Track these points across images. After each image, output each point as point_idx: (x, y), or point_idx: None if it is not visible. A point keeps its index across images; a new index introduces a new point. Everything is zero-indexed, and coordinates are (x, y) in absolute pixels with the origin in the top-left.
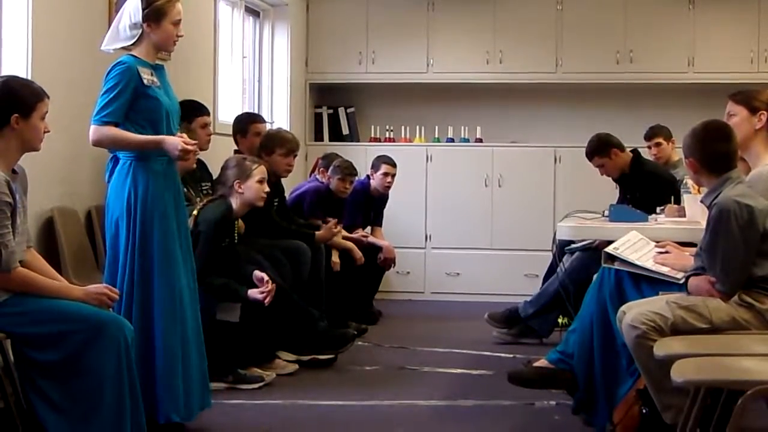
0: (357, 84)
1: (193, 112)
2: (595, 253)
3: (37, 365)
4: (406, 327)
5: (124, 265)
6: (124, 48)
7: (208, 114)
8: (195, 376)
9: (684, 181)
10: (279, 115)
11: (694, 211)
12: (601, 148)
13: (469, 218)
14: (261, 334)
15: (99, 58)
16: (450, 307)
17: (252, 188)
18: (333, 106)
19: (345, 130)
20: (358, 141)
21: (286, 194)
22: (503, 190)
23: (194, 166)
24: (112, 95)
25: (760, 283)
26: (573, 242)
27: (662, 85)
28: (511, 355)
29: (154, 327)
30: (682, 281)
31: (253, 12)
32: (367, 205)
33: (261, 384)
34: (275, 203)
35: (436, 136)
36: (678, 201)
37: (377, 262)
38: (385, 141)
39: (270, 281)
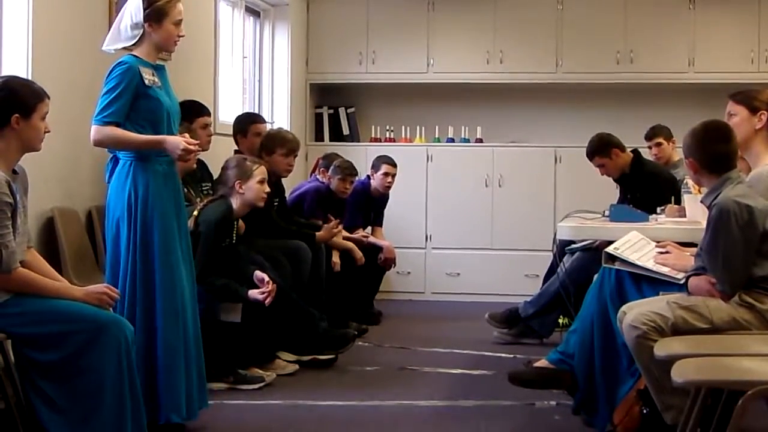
0: (357, 84)
1: (193, 112)
2: (595, 254)
3: (38, 366)
4: (406, 327)
5: (126, 265)
6: (125, 48)
7: (209, 114)
8: (194, 376)
9: (684, 181)
10: (279, 115)
11: (694, 212)
12: (601, 148)
13: (469, 218)
14: (261, 334)
15: (99, 58)
16: (450, 308)
17: (253, 188)
18: (333, 106)
19: (345, 130)
20: (359, 141)
21: (287, 194)
22: (504, 190)
23: (194, 166)
24: (113, 95)
25: (761, 284)
26: (573, 242)
27: (663, 85)
28: (512, 356)
29: (156, 327)
30: (682, 281)
31: (253, 12)
32: (367, 205)
33: (261, 384)
34: (275, 203)
35: (437, 136)
36: (678, 201)
37: (378, 262)
38: (386, 141)
39: (270, 282)
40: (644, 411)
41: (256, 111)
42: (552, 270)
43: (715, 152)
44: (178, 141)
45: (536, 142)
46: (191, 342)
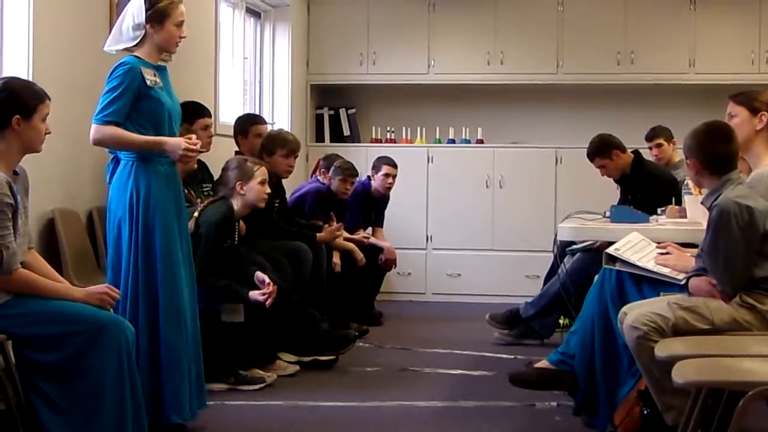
0: (358, 85)
1: (194, 113)
2: (596, 254)
3: (38, 367)
4: (407, 328)
5: (128, 266)
6: (126, 49)
7: (210, 115)
8: (193, 376)
9: (685, 182)
10: (280, 116)
11: (695, 212)
12: (602, 149)
13: (470, 219)
14: (262, 335)
15: (100, 59)
16: (451, 308)
17: (253, 189)
18: (334, 107)
19: (346, 131)
20: (359, 142)
21: (287, 195)
22: (504, 191)
23: (195, 166)
24: (114, 95)
25: (761, 284)
26: (574, 243)
27: (663, 86)
28: (512, 356)
29: (159, 327)
30: (683, 282)
31: (254, 13)
32: (368, 206)
33: (262, 385)
34: (276, 204)
35: (437, 137)
36: (679, 202)
37: (378, 263)
38: (386, 142)
39: (271, 283)
40: (645, 412)
41: (257, 112)
42: (553, 271)
43: (717, 153)
44: (178, 142)
45: (537, 143)
46: (190, 342)
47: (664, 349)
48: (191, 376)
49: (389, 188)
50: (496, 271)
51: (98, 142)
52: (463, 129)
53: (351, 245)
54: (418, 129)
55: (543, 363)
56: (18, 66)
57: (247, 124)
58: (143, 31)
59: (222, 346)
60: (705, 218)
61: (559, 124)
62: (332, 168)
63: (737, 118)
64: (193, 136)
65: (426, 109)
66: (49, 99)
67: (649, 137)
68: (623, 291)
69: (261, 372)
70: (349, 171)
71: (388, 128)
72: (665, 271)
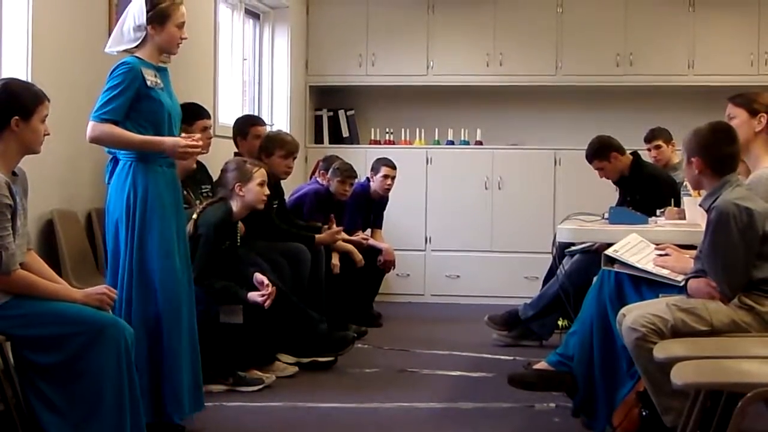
0: (357, 86)
1: (193, 114)
2: (595, 256)
3: (37, 368)
4: (406, 329)
5: (124, 266)
6: (127, 50)
7: (209, 117)
8: (189, 377)
9: (684, 184)
10: (279, 118)
11: (694, 214)
12: (600, 151)
13: (469, 221)
14: (261, 336)
15: (99, 60)
16: (450, 310)
17: (252, 191)
18: (333, 108)
19: (345, 133)
20: (358, 143)
21: (286, 196)
22: (503, 193)
23: (194, 167)
24: (113, 93)
25: (760, 286)
26: (573, 245)
27: (662, 87)
28: (511, 358)
29: (157, 328)
30: (682, 284)
31: (253, 14)
32: (367, 207)
33: (261, 386)
34: (275, 205)
35: (436, 138)
36: (678, 203)
37: (377, 264)
38: (385, 143)
39: (270, 284)
40: (644, 413)
41: (256, 113)
42: (551, 272)
43: (722, 154)
44: (177, 141)
45: (536, 144)
46: (187, 343)
47: (662, 350)
48: (188, 376)
49: (388, 189)
50: (495, 272)
51: (95, 140)
52: (462, 130)
53: (350, 246)
54: (417, 130)
55: (542, 364)
56: (17, 67)
57: (246, 125)
58: (144, 32)
59: (221, 347)
60: (704, 220)
61: (558, 125)
62: (331, 169)
63: (736, 119)
64: (195, 135)
65: (425, 111)
66: (48, 100)
67: (648, 139)
68: (622, 292)
69: (260, 373)
70: (348, 172)
71: (387, 129)
72: (664, 272)
